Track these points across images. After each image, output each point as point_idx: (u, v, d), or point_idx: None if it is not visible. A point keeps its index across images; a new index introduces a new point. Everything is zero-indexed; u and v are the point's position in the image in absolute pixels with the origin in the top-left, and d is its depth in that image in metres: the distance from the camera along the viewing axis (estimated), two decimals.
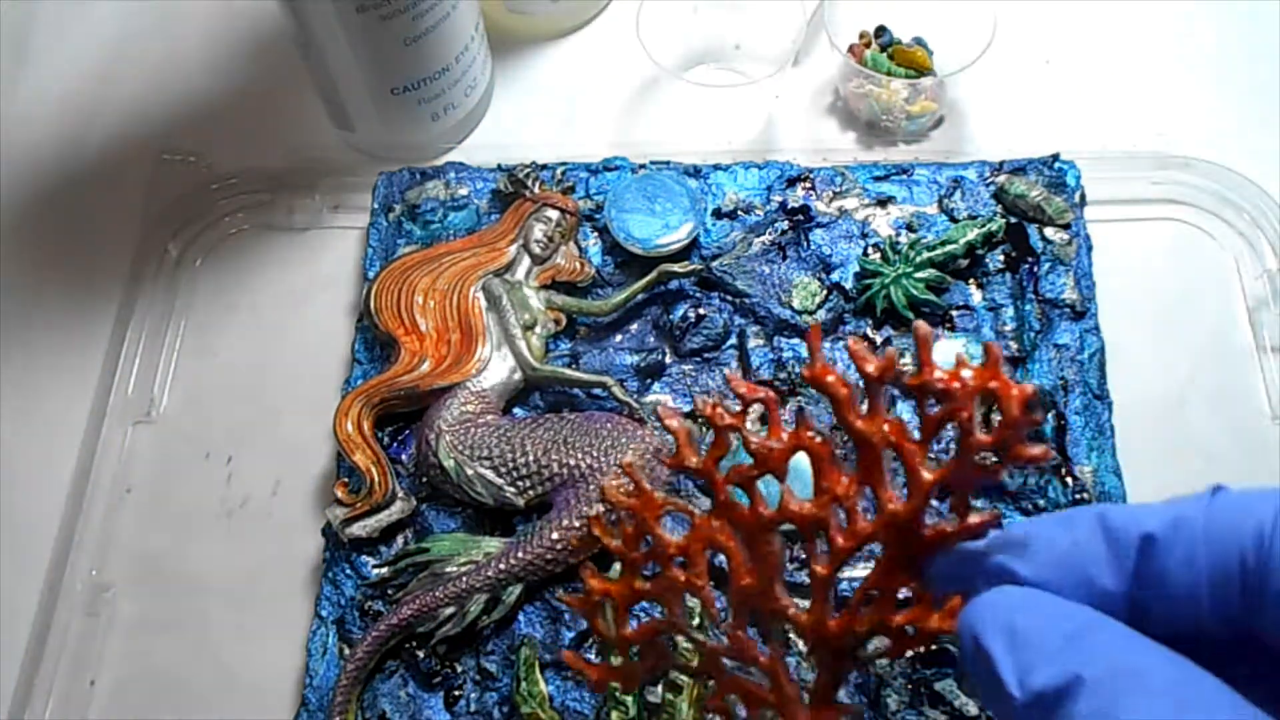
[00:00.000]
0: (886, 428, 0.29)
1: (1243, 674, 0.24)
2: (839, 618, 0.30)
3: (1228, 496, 0.26)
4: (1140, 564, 0.26)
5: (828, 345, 0.51)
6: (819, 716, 0.31)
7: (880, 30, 0.59)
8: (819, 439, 0.30)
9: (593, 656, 0.45)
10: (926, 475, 0.28)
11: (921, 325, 0.28)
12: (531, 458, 0.47)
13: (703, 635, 0.34)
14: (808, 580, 0.45)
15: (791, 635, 0.42)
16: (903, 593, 0.30)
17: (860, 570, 0.45)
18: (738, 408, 0.32)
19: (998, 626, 0.26)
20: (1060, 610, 0.26)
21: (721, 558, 0.32)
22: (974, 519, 0.28)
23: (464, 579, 0.46)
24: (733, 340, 0.51)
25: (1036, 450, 0.27)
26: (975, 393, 0.27)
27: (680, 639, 0.38)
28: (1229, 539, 0.25)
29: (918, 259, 0.51)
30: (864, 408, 0.29)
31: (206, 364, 0.55)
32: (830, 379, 0.30)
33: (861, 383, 0.29)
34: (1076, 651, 0.24)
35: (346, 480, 0.49)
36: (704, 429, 0.49)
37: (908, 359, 0.48)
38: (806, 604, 0.31)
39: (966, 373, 0.27)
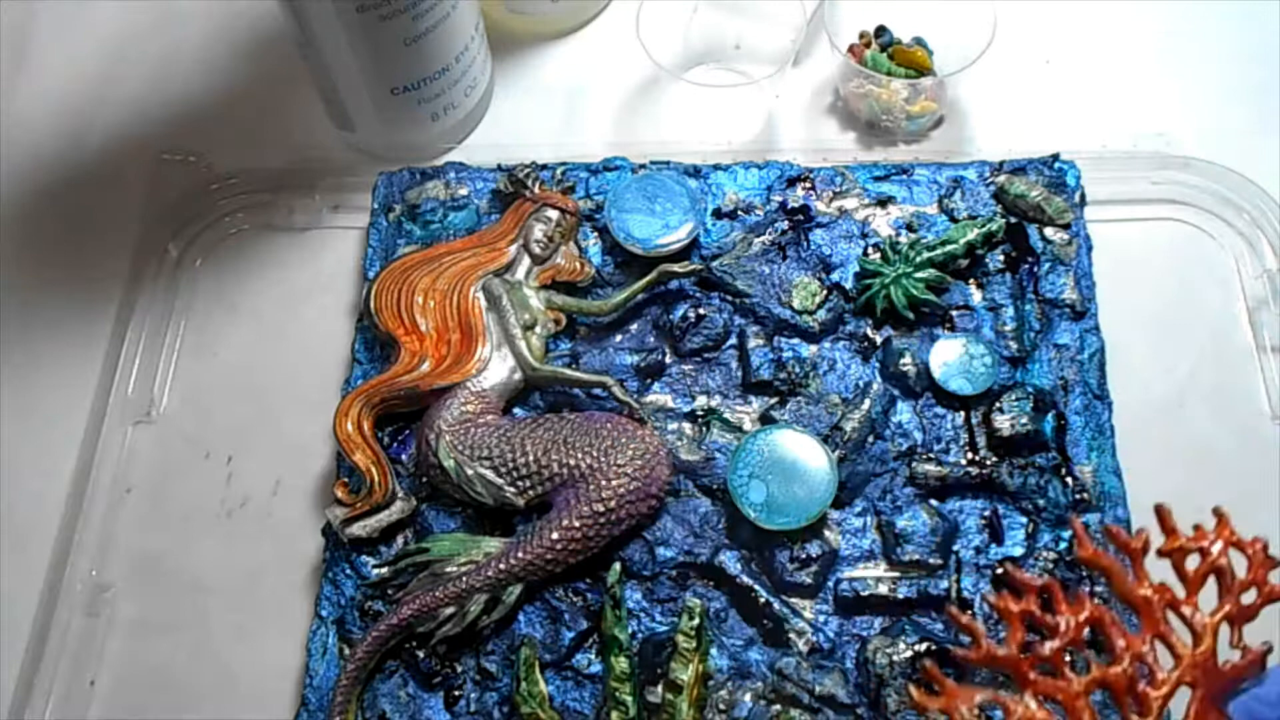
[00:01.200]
0: (1156, 592, 0.35)
1: None
2: None
3: None
4: None
5: (827, 344, 0.51)
6: None
7: (880, 30, 0.59)
8: (1101, 607, 0.35)
9: (592, 656, 0.46)
10: (1206, 620, 0.35)
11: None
12: (531, 458, 0.47)
13: None
14: (808, 581, 0.45)
15: None
16: None
17: (860, 571, 0.46)
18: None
19: None
20: None
21: None
22: (1254, 649, 0.34)
23: (464, 579, 0.46)
24: (733, 340, 0.51)
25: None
26: (1228, 548, 0.35)
27: None
28: None
29: (918, 259, 0.51)
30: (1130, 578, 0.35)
31: (206, 364, 0.55)
32: (1105, 561, 0.35)
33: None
34: None
35: (346, 480, 0.49)
36: (703, 429, 0.49)
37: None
38: None
39: (1209, 537, 0.35)
